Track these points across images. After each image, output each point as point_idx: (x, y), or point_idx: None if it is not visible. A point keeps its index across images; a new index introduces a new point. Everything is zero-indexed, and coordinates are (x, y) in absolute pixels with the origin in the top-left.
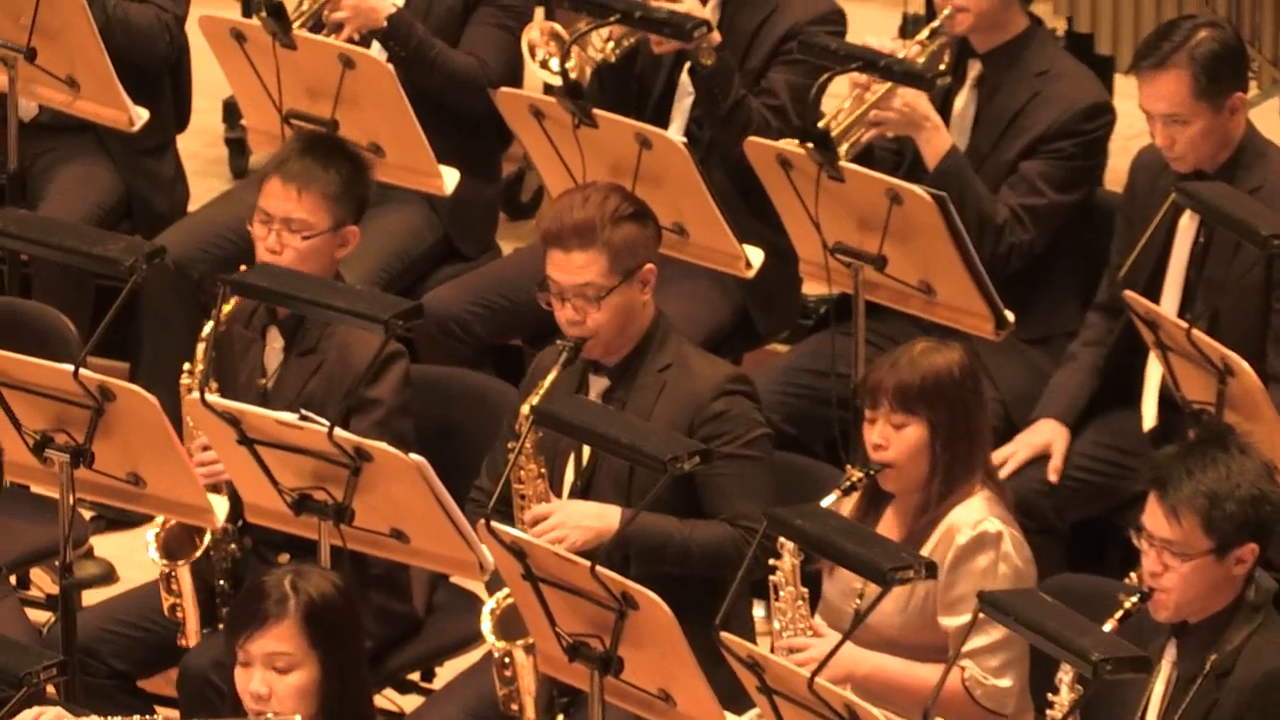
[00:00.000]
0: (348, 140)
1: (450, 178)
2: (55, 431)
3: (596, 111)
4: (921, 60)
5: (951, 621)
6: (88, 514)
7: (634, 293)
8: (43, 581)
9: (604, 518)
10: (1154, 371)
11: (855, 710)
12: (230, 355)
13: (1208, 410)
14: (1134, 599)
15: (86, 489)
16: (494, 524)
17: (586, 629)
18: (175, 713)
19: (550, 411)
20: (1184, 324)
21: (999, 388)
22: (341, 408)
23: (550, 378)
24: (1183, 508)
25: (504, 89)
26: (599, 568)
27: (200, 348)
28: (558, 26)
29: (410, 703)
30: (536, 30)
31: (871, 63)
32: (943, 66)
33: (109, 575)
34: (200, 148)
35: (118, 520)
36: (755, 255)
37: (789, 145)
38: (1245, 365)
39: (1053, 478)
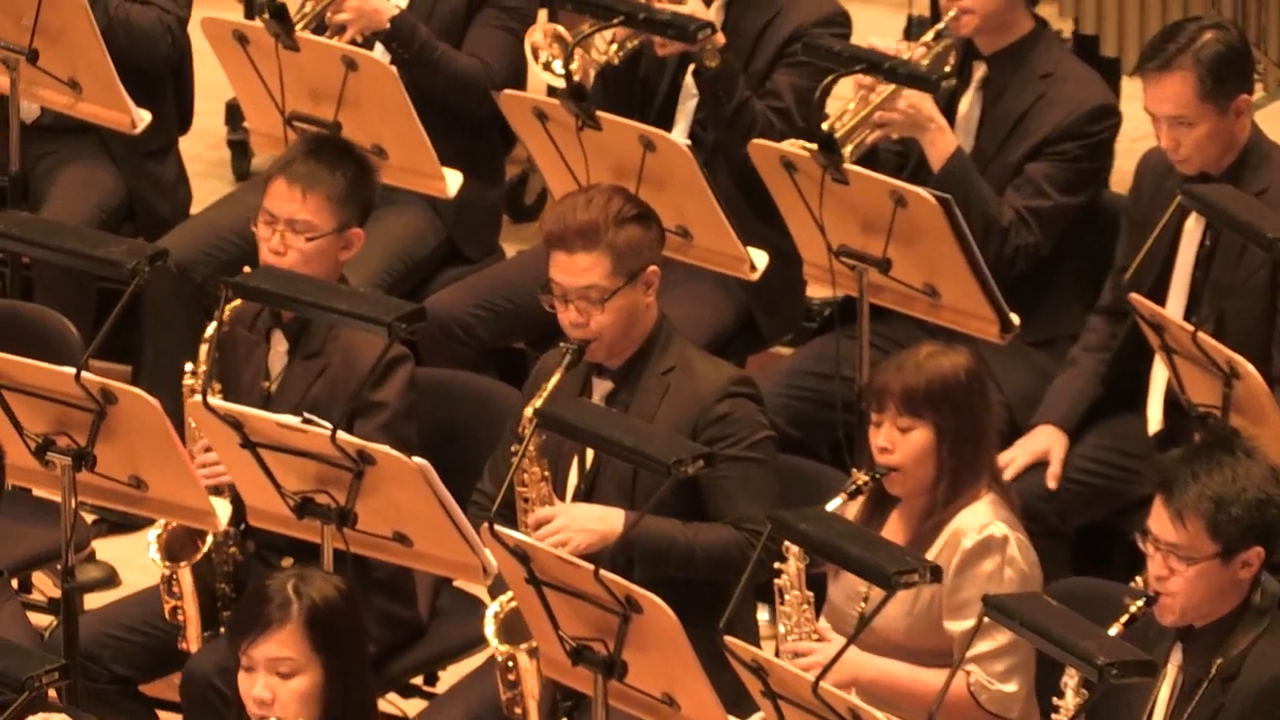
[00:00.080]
0: (353, 143)
1: (453, 180)
2: (57, 434)
3: (600, 113)
4: (926, 62)
5: (957, 626)
6: (89, 517)
7: (637, 295)
8: (44, 585)
9: (608, 521)
10: (1159, 375)
11: (860, 715)
12: (234, 358)
13: (1213, 413)
14: (1139, 603)
15: (88, 492)
16: (497, 527)
17: (590, 633)
18: (178, 717)
19: (554, 414)
20: (1189, 327)
21: (1004, 391)
22: (345, 411)
23: (553, 380)
24: (1188, 511)
25: (507, 91)
26: (603, 571)
27: (203, 350)
28: (561, 28)
29: (413, 707)
30: (540, 32)
31: (876, 65)
32: (948, 68)
33: (111, 579)
34: (202, 150)
35: (120, 524)
36: (759, 258)
37: (793, 147)
38: (1251, 368)
39: (1051, 484)
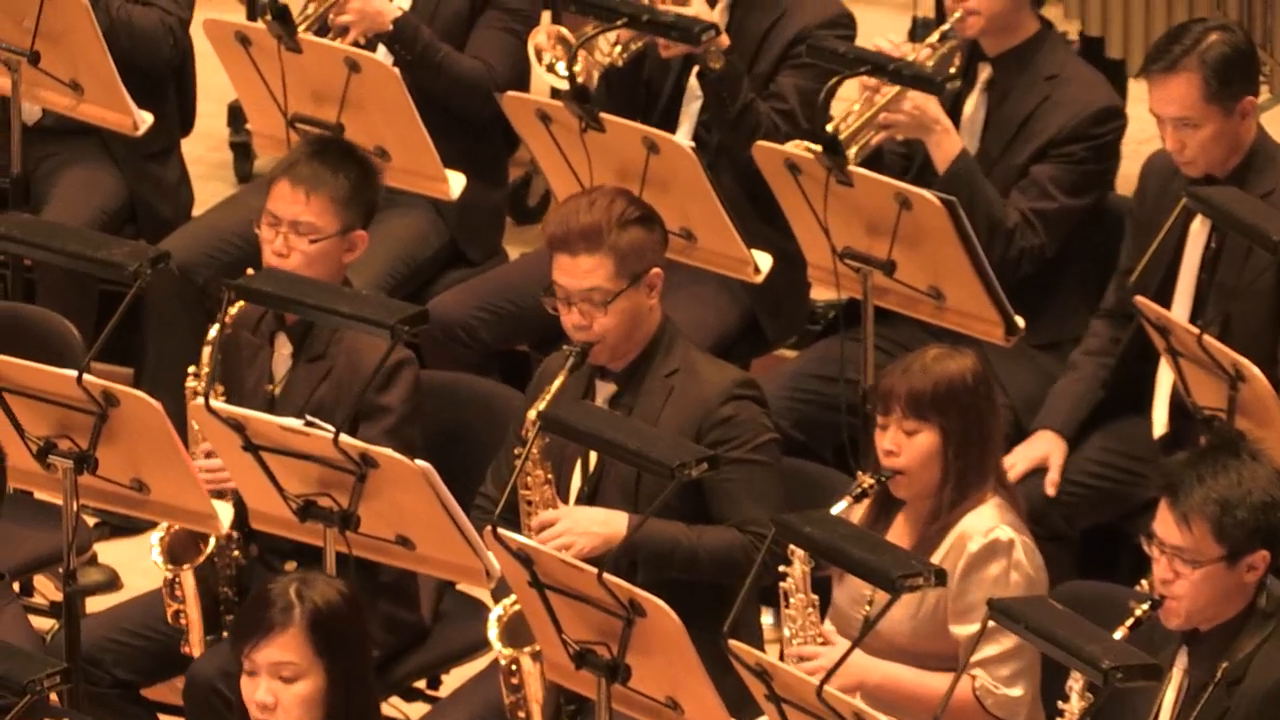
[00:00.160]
0: (356, 144)
1: (456, 182)
2: (59, 437)
3: (603, 115)
4: (931, 64)
5: (963, 630)
6: (91, 520)
7: (641, 297)
8: (46, 588)
9: (611, 524)
10: (1165, 377)
11: (864, 719)
12: (237, 361)
13: (1219, 416)
14: (1145, 606)
15: (90, 495)
16: (501, 530)
17: (594, 636)
18: None
19: (557, 417)
20: (1195, 329)
21: (1009, 394)
22: (350, 413)
23: (556, 383)
24: (1194, 515)
25: (510, 93)
26: (606, 575)
27: (206, 352)
28: (564, 30)
29: (416, 711)
30: (543, 34)
31: (880, 66)
32: (953, 70)
33: (113, 582)
34: (205, 152)
35: (122, 527)
36: (763, 260)
37: (797, 148)
38: (1257, 371)
39: (1050, 491)
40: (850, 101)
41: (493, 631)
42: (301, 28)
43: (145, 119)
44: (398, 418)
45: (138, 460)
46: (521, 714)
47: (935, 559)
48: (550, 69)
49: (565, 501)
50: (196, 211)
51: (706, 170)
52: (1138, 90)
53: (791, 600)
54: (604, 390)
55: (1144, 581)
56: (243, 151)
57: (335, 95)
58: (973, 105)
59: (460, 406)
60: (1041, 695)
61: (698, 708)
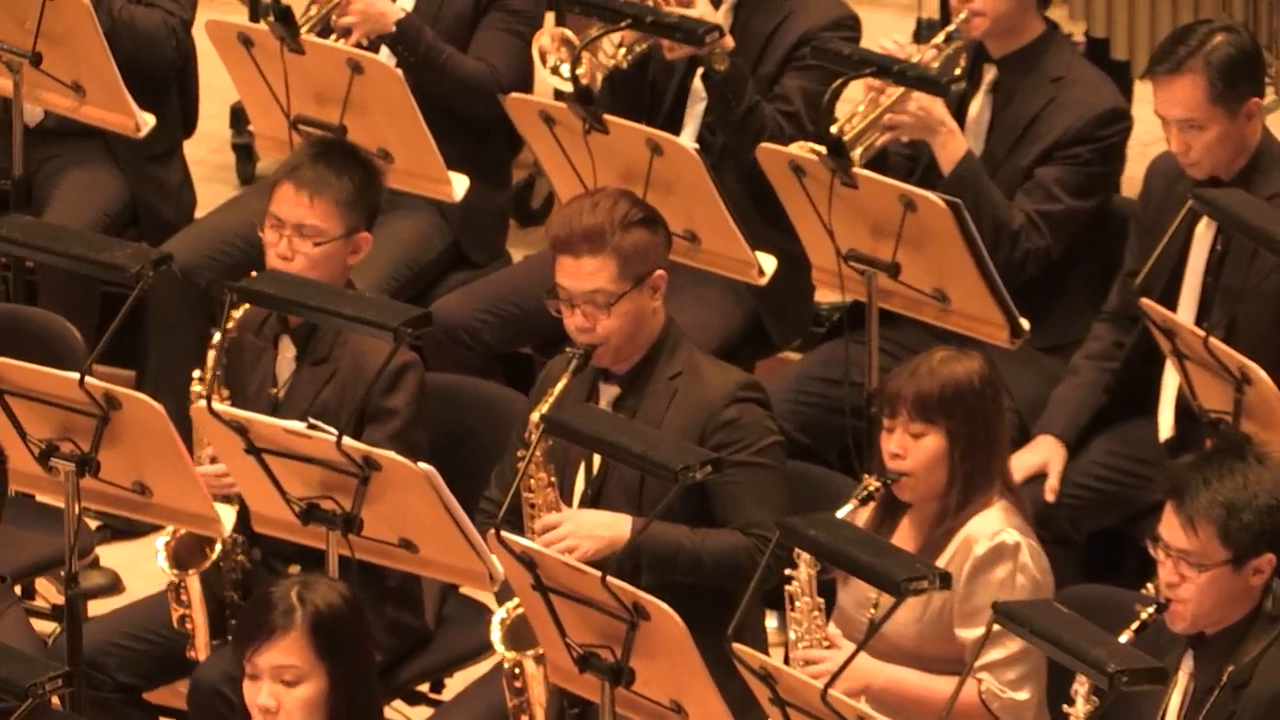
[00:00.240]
0: (359, 146)
1: (460, 184)
2: (61, 440)
3: (607, 117)
4: (936, 65)
5: (969, 633)
6: (93, 523)
7: (644, 299)
8: (48, 592)
9: (615, 527)
10: (1170, 380)
11: None
12: (241, 364)
13: (1225, 419)
14: (1150, 610)
15: (92, 498)
16: (504, 534)
17: (597, 640)
18: None
19: (561, 420)
20: (1201, 332)
21: (1014, 396)
22: (354, 416)
23: (560, 385)
24: (1199, 518)
25: (514, 94)
26: (610, 578)
27: (210, 355)
28: (568, 32)
29: (420, 714)
30: (547, 36)
31: (885, 68)
32: (958, 71)
33: (115, 585)
34: (207, 154)
35: (124, 530)
36: (768, 262)
37: (801, 149)
38: (1263, 374)
39: (1049, 497)
40: (855, 103)
41: (496, 634)
42: (304, 29)
43: (147, 121)
44: (403, 421)
45: (140, 463)
46: (524, 717)
47: (941, 562)
48: (555, 71)
49: (569, 504)
50: (199, 213)
51: (710, 172)
52: (1143, 92)
53: (797, 603)
54: (608, 393)
55: (1149, 585)
56: (245, 153)
57: (338, 97)
58: (978, 107)
59: (463, 409)
60: (1047, 699)
61: (702, 711)
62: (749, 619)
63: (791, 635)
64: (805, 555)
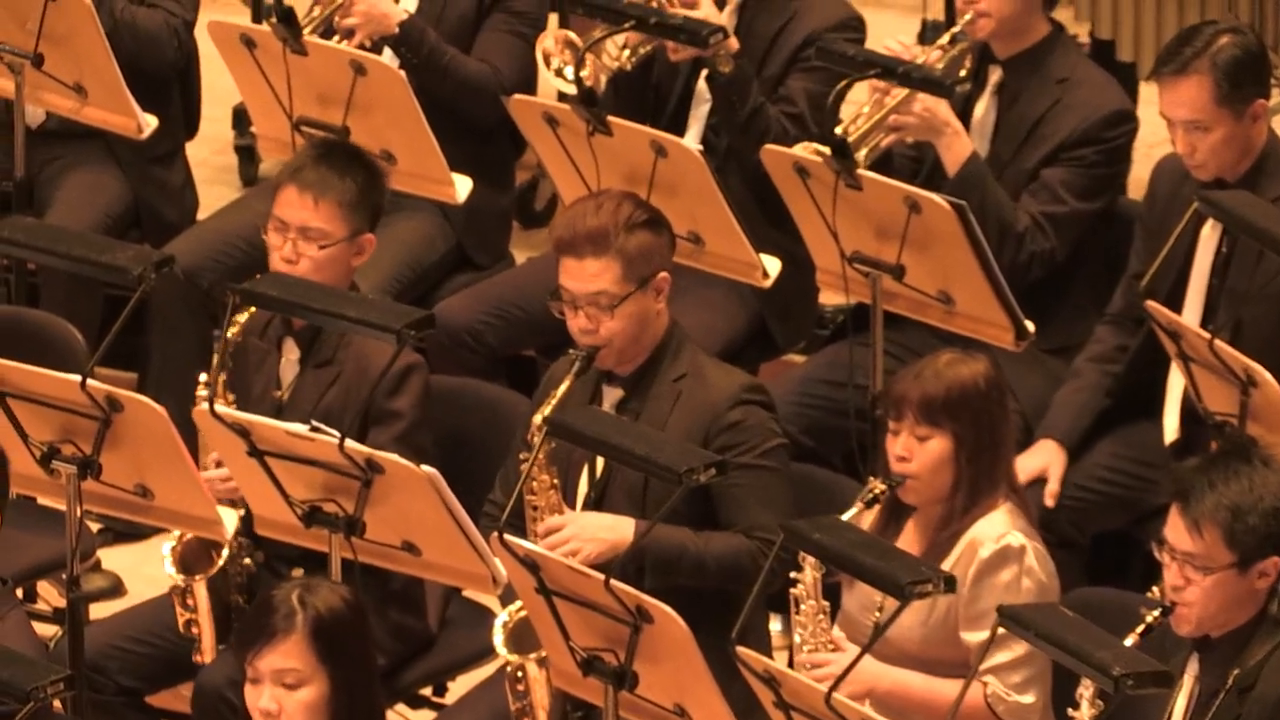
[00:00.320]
0: (361, 147)
1: (463, 186)
2: (62, 442)
3: (611, 119)
4: (942, 66)
5: (974, 636)
6: (95, 526)
7: (648, 301)
8: (50, 595)
9: (618, 530)
10: (1176, 383)
11: None
12: (245, 367)
13: (1230, 422)
14: (1156, 613)
15: (94, 501)
16: (507, 536)
17: (601, 643)
18: None
19: (564, 422)
20: (1206, 334)
21: (1019, 399)
22: (359, 418)
23: (562, 388)
24: (1205, 521)
25: (517, 96)
26: (613, 581)
27: (216, 359)
28: (572, 34)
29: (422, 718)
30: (551, 38)
31: (890, 69)
32: (963, 73)
33: (117, 588)
34: (209, 155)
35: (126, 533)
36: (772, 264)
37: (805, 150)
38: (1268, 376)
39: (1049, 502)
40: (860, 105)
41: (498, 637)
42: (307, 30)
43: (150, 122)
44: (409, 423)
45: (142, 466)
46: None
47: (946, 565)
48: (559, 74)
49: (572, 507)
50: (201, 215)
51: (714, 174)
52: (1148, 93)
53: (802, 606)
54: (611, 395)
55: (1155, 588)
56: (248, 155)
57: (341, 98)
58: (983, 108)
59: (466, 412)
60: (1052, 702)
61: (705, 715)
62: (753, 622)
63: (796, 638)
64: (810, 558)
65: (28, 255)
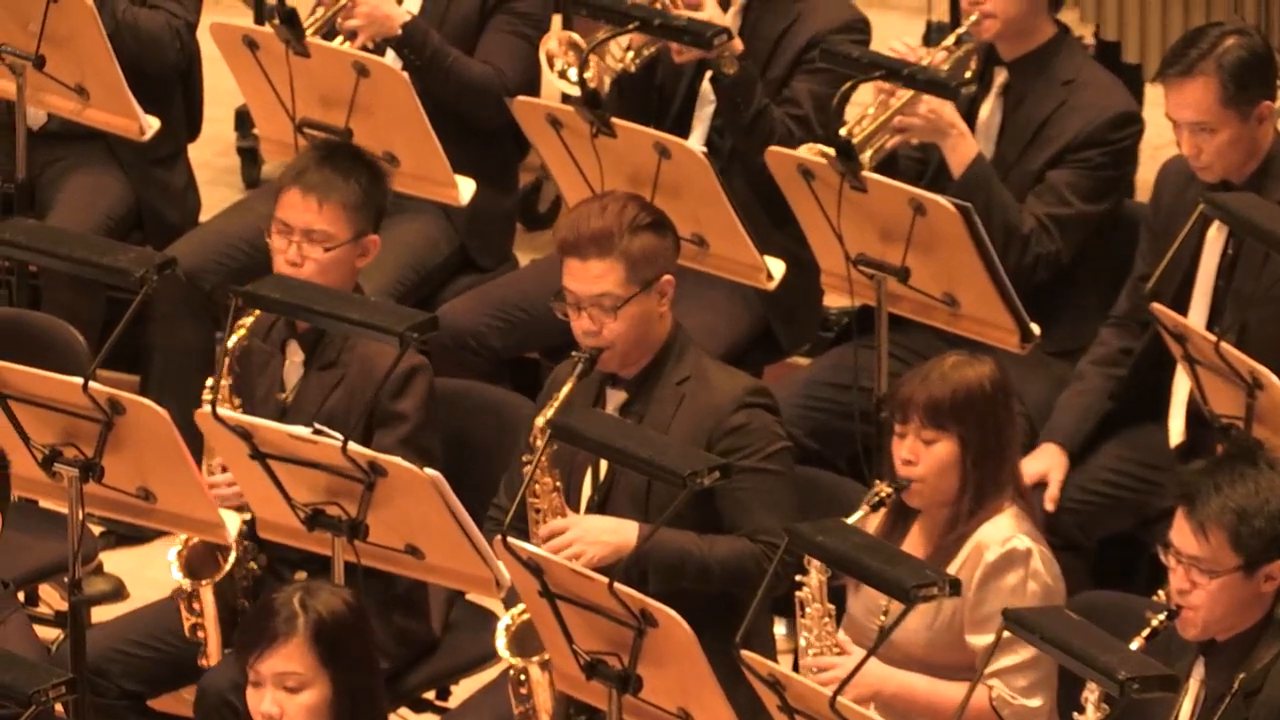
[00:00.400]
0: (363, 148)
1: (466, 188)
2: (64, 445)
3: (615, 120)
4: (947, 67)
5: (980, 640)
6: (97, 529)
7: (651, 303)
8: (51, 598)
9: (622, 533)
10: (1181, 385)
11: None
12: (249, 369)
13: (1236, 425)
14: (1161, 617)
15: (96, 504)
16: (510, 539)
17: (604, 646)
18: None
19: (567, 425)
20: (1212, 337)
21: (1024, 402)
22: (364, 421)
23: (565, 390)
24: (1211, 524)
25: (521, 98)
26: (617, 584)
27: (225, 362)
28: (576, 36)
29: None
30: (554, 40)
31: (895, 71)
32: (969, 74)
33: (119, 592)
34: (212, 157)
35: (128, 536)
36: (776, 267)
37: (810, 152)
38: (1274, 379)
39: (1049, 507)
40: (864, 106)
41: (501, 641)
42: (309, 32)
43: (152, 124)
44: (414, 425)
45: (144, 468)
46: None
47: (952, 569)
48: (563, 75)
49: (575, 510)
50: (203, 217)
51: (719, 176)
52: (1154, 94)
53: (808, 610)
54: (615, 398)
55: (1161, 592)
56: (250, 157)
57: (344, 100)
58: (988, 110)
59: (470, 415)
60: (1058, 706)
61: (710, 719)
62: (757, 626)
63: (802, 641)
64: (816, 561)
65: (29, 257)
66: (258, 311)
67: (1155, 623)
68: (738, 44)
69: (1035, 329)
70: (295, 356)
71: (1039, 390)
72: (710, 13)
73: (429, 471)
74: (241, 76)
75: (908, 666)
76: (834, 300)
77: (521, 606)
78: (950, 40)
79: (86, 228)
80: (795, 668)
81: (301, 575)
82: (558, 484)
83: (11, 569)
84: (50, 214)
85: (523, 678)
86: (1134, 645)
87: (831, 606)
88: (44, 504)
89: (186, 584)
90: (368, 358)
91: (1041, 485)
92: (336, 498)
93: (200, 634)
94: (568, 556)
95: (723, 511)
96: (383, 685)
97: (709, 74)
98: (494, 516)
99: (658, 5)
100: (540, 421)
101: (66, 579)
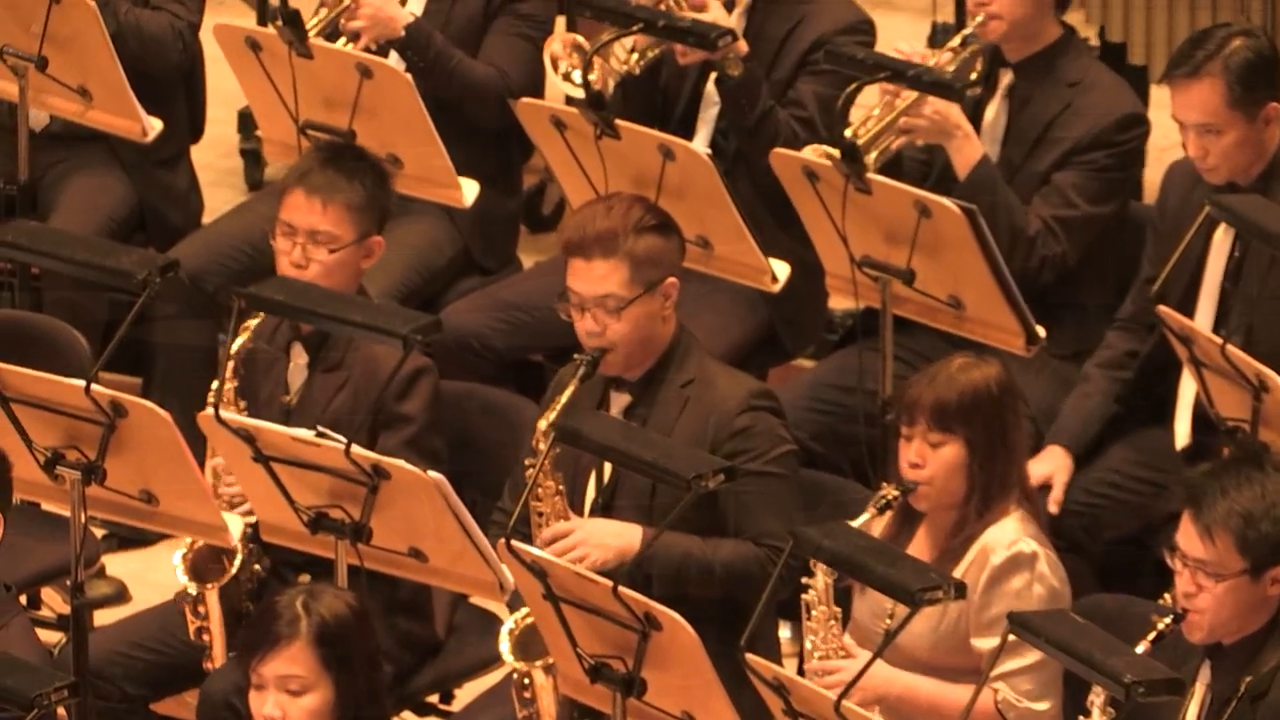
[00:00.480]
0: (366, 149)
1: (470, 190)
2: (66, 448)
3: (619, 122)
4: (952, 68)
5: (985, 643)
6: (99, 532)
7: (655, 305)
8: (54, 601)
9: (626, 536)
10: (1187, 388)
11: None
12: (253, 372)
13: (1242, 428)
14: (1167, 620)
15: (98, 507)
16: (514, 543)
17: (608, 650)
18: None
19: (571, 427)
20: (1218, 339)
21: (1030, 404)
22: (368, 423)
23: (567, 393)
24: (1217, 527)
25: (525, 99)
26: (621, 588)
27: (230, 366)
28: (580, 38)
29: None
30: (559, 42)
31: (900, 72)
32: (974, 76)
33: (121, 595)
34: (214, 158)
35: (130, 539)
36: (781, 269)
37: (815, 154)
38: None
39: (1053, 509)
40: (869, 108)
41: (505, 644)
42: (313, 33)
43: (154, 125)
44: (419, 427)
45: (146, 471)
46: None
47: (958, 572)
48: (567, 77)
49: (579, 513)
50: (206, 219)
51: (723, 178)
52: (1160, 96)
53: (813, 613)
54: (619, 401)
55: (1167, 595)
56: (253, 158)
57: (347, 101)
58: (994, 111)
59: (473, 417)
60: (1063, 709)
61: None
62: (762, 629)
63: (808, 644)
64: (821, 564)
65: (31, 259)
66: (261, 314)
67: (1161, 626)
68: (742, 45)
69: (1040, 331)
70: (300, 359)
71: (1044, 393)
72: (715, 14)
73: (432, 474)
74: (244, 78)
75: (913, 670)
76: (839, 303)
77: (525, 610)
78: (956, 41)
79: (89, 230)
80: (800, 671)
81: (305, 578)
82: (561, 487)
83: (14, 572)
84: (52, 216)
85: (527, 681)
86: (1140, 649)
87: (837, 609)
88: (46, 507)
89: (192, 587)
90: (372, 360)
91: (1046, 488)
92: (340, 501)
93: (206, 637)
94: (572, 560)
95: (727, 514)
96: (386, 689)
97: (714, 76)
98: (498, 520)
99: (662, 7)
100: (543, 424)
101: (69, 582)
